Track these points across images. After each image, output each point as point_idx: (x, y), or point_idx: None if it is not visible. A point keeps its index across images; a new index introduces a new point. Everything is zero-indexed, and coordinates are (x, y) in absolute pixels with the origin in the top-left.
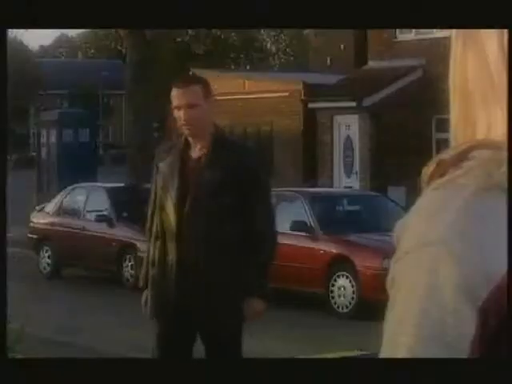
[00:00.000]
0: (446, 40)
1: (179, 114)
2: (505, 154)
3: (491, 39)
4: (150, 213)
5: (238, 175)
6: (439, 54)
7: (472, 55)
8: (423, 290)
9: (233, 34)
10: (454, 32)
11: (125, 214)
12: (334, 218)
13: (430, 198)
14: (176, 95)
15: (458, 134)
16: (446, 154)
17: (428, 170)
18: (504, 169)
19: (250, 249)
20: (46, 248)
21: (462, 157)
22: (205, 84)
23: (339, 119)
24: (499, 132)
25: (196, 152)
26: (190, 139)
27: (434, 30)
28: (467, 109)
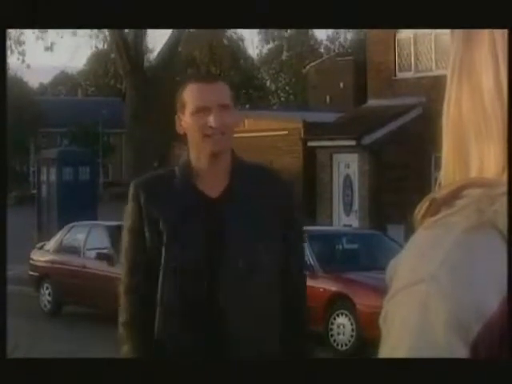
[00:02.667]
0: (445, 78)
1: (205, 120)
2: (497, 192)
3: (487, 75)
4: (134, 284)
5: (272, 214)
6: (439, 92)
7: (467, 91)
8: (414, 326)
9: (232, 72)
10: (449, 68)
11: None
12: (333, 256)
13: (421, 237)
14: (202, 92)
15: (450, 171)
16: (438, 193)
17: (421, 209)
18: (495, 207)
19: (287, 300)
20: (46, 285)
21: (454, 195)
22: (229, 85)
23: (339, 157)
24: (492, 168)
25: (212, 187)
26: (199, 169)
27: (434, 68)
28: (460, 145)
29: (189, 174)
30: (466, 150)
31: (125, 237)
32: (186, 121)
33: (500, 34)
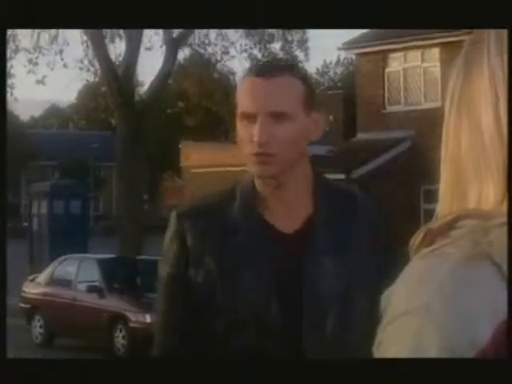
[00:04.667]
0: (434, 111)
1: (249, 131)
2: (492, 223)
3: (487, 111)
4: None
5: (373, 251)
6: (427, 125)
7: (466, 125)
8: (408, 353)
9: (224, 106)
10: (447, 100)
11: (115, 285)
12: None
13: (416, 267)
14: (251, 92)
15: (447, 202)
16: (434, 224)
17: (416, 239)
18: (490, 238)
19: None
20: (38, 318)
21: (449, 226)
22: (306, 79)
23: None
24: (490, 201)
25: (284, 218)
26: (262, 191)
27: (423, 102)
28: (458, 177)
29: (253, 200)
30: (464, 183)
31: (162, 284)
32: (236, 126)
33: (499, 68)
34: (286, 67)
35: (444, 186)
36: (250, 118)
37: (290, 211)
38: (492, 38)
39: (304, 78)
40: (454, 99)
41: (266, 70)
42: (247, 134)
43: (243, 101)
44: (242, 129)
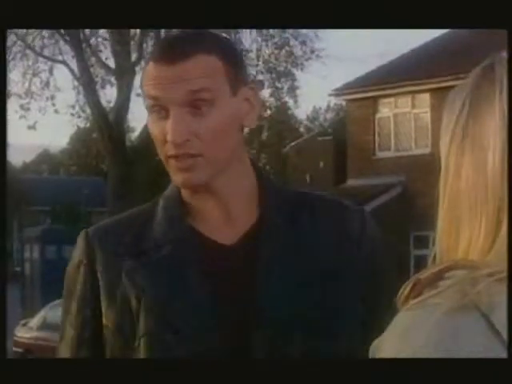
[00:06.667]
0: (425, 157)
1: (161, 128)
2: (481, 273)
3: (495, 151)
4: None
5: (337, 261)
6: (418, 171)
7: (469, 161)
8: None
9: None
10: (447, 136)
11: None
12: None
13: (403, 319)
14: (160, 79)
15: (443, 248)
16: (422, 274)
17: (404, 290)
18: (479, 288)
19: None
20: None
21: (438, 277)
22: (224, 50)
23: None
24: (479, 247)
25: (223, 229)
26: (190, 200)
27: (413, 147)
28: (452, 221)
29: (179, 210)
30: (458, 224)
31: (69, 322)
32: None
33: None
34: (195, 46)
35: (441, 230)
36: (161, 111)
37: (229, 220)
38: (504, 76)
39: (220, 50)
40: (455, 133)
41: (171, 54)
42: (159, 132)
43: (149, 91)
44: (152, 125)
